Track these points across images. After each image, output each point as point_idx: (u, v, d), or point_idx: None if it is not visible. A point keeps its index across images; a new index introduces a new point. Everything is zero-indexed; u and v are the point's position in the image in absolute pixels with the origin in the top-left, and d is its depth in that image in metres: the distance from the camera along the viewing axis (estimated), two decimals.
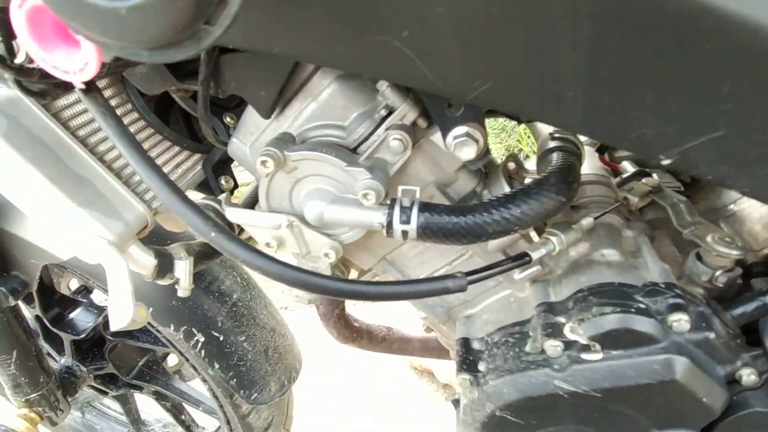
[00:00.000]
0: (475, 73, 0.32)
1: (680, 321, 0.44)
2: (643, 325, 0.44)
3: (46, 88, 0.43)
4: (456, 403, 0.63)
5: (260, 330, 0.82)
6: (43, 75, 0.40)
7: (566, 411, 0.48)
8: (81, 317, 1.00)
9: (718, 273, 0.46)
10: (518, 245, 0.54)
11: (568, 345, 0.47)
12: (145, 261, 0.51)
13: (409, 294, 0.46)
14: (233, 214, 0.50)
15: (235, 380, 0.79)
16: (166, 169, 0.57)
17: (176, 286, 0.54)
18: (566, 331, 0.47)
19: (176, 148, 0.60)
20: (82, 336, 0.96)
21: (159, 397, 1.06)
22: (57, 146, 0.48)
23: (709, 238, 0.46)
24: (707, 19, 0.28)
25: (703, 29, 0.29)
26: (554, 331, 0.48)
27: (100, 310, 1.02)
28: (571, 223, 0.49)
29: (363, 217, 0.45)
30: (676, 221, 0.48)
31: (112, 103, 0.55)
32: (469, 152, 0.44)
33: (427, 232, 0.44)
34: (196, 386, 1.05)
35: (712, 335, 0.44)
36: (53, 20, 0.33)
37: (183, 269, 0.54)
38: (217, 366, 0.78)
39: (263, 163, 0.44)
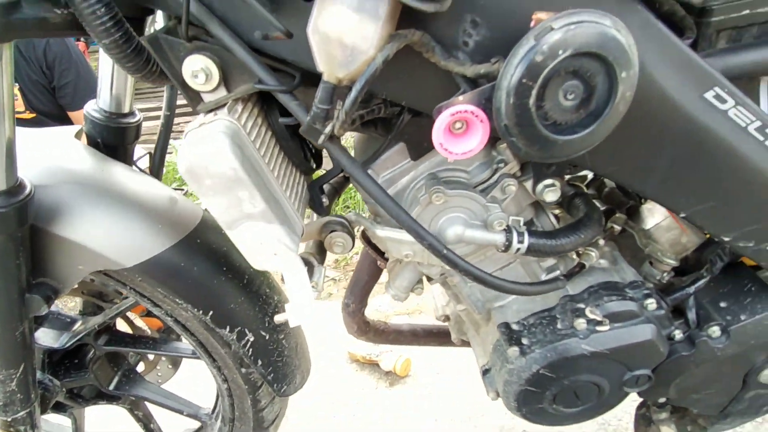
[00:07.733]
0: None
1: (651, 303, 0.74)
2: (633, 307, 0.74)
3: None
4: (486, 372, 0.85)
5: (293, 328, 0.91)
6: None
7: (583, 365, 0.75)
8: (52, 328, 0.94)
9: (664, 274, 0.78)
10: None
11: (589, 321, 0.73)
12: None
13: (534, 291, 0.71)
14: (383, 232, 0.64)
15: (272, 375, 0.88)
16: (296, 190, 0.66)
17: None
18: (587, 312, 0.74)
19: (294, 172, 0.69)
20: (66, 346, 0.91)
21: (134, 406, 1.04)
22: (260, 172, 0.56)
23: (659, 254, 0.77)
24: None
25: None
26: (579, 313, 0.74)
27: (71, 319, 0.97)
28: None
29: (491, 238, 0.65)
30: (640, 242, 0.79)
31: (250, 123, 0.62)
32: (553, 197, 0.67)
33: (532, 250, 0.65)
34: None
35: (663, 312, 0.75)
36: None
37: (321, 274, 0.65)
38: (260, 363, 0.86)
39: (437, 196, 0.60)
